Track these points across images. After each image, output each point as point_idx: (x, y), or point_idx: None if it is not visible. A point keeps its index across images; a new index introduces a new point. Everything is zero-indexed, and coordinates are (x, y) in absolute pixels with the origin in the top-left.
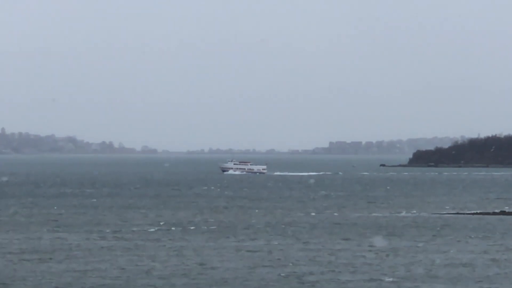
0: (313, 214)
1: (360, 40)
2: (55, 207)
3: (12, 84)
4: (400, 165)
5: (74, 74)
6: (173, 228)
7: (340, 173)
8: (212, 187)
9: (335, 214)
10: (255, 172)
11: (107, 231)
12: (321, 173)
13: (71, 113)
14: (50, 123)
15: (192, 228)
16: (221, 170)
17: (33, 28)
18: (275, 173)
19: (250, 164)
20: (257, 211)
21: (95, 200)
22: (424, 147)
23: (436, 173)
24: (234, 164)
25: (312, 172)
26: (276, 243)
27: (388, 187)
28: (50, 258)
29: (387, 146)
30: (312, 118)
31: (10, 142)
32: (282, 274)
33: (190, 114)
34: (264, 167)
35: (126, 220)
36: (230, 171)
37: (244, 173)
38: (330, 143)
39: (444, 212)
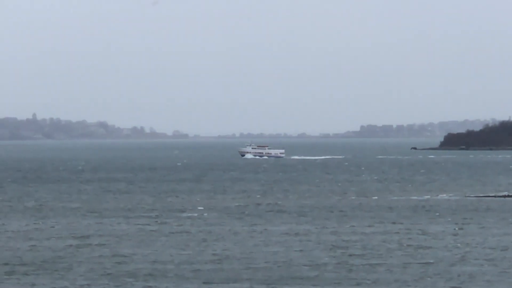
0: (353, 198)
1: (391, 25)
2: (100, 192)
3: (42, 69)
4: (431, 148)
5: (104, 59)
6: (215, 213)
7: (345, 157)
8: (235, 171)
9: (374, 197)
10: (273, 156)
11: (152, 215)
12: (341, 156)
13: (103, 98)
14: (81, 108)
15: (236, 212)
16: (240, 154)
17: (57, 18)
18: (293, 157)
19: (268, 148)
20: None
21: (132, 186)
22: (455, 130)
23: (471, 156)
24: (252, 148)
25: (330, 155)
26: (322, 226)
27: (422, 170)
28: (99, 244)
29: (418, 129)
30: (344, 101)
31: (42, 127)
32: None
33: (221, 98)
34: (282, 151)
35: (168, 204)
36: (248, 155)
37: (262, 157)
38: (361, 126)
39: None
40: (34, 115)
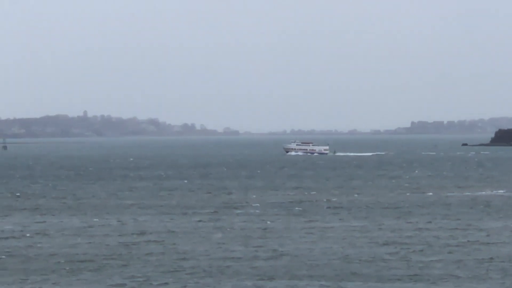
0: (408, 194)
1: (444, 22)
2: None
3: (93, 67)
4: (482, 144)
5: (155, 55)
6: (275, 209)
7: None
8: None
9: (430, 193)
10: (317, 153)
11: (207, 211)
12: (389, 152)
13: (153, 95)
14: (132, 105)
15: (291, 208)
16: (285, 151)
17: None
18: (337, 154)
19: (312, 145)
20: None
21: (186, 181)
22: (506, 126)
23: None
24: (297, 145)
25: (374, 152)
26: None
27: (474, 166)
28: (156, 240)
29: (468, 126)
30: (394, 98)
31: (92, 124)
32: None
33: (272, 95)
34: (326, 147)
35: (224, 201)
36: (292, 152)
37: (306, 153)
38: (412, 123)
39: None
40: (85, 112)
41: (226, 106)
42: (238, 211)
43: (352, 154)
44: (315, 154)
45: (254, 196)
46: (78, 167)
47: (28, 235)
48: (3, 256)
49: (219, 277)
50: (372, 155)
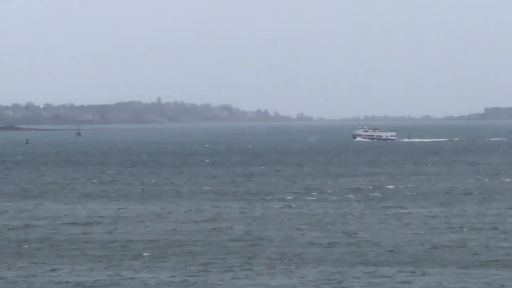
0: (486, 180)
1: None
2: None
3: (166, 53)
4: None
5: (228, 42)
6: (353, 195)
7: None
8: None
9: (508, 179)
10: (383, 139)
11: (285, 198)
12: (457, 138)
13: (227, 81)
14: (206, 91)
15: (364, 195)
16: (352, 137)
17: None
18: (404, 140)
19: (379, 131)
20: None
21: (262, 167)
22: None
23: None
24: (364, 131)
25: (449, 138)
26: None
27: None
28: (232, 227)
29: None
30: (468, 83)
31: (166, 111)
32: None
33: (346, 80)
34: (394, 133)
35: (301, 187)
36: (359, 138)
37: (373, 139)
38: (486, 108)
39: None
40: (158, 98)
41: (299, 92)
42: (316, 197)
43: (426, 140)
44: (382, 140)
45: (330, 182)
46: (153, 153)
47: (106, 221)
48: (83, 242)
49: (300, 263)
50: (447, 141)
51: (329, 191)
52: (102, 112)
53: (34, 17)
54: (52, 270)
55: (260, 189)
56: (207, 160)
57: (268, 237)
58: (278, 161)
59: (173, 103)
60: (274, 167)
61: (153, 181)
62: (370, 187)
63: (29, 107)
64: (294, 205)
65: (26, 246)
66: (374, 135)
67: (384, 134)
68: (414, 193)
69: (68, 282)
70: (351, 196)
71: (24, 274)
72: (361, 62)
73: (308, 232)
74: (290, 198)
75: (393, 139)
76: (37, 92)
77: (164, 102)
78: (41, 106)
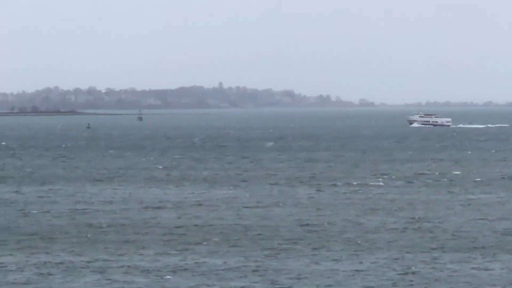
0: None
1: None
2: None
3: (228, 38)
4: None
5: (289, 27)
6: (400, 182)
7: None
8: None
9: None
10: (439, 125)
11: (352, 182)
12: (506, 125)
13: (289, 66)
14: (267, 77)
15: (426, 181)
16: (408, 123)
17: None
18: (459, 126)
19: (435, 117)
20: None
21: (327, 153)
22: None
23: None
24: (420, 116)
25: (498, 124)
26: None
27: None
28: (297, 211)
29: None
30: None
31: (228, 96)
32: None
33: (409, 66)
34: (449, 119)
35: (358, 173)
36: (415, 124)
37: (428, 125)
38: None
39: None
40: (220, 83)
41: (362, 77)
42: (382, 182)
43: (488, 125)
44: (438, 125)
45: (396, 167)
46: (217, 138)
47: (171, 206)
48: (149, 227)
49: (368, 248)
50: (508, 126)
51: (393, 177)
52: (163, 97)
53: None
54: (120, 255)
55: (325, 175)
56: (271, 144)
57: (335, 222)
58: (341, 146)
59: (235, 88)
60: (337, 152)
61: (219, 165)
62: (436, 173)
63: (91, 91)
64: (360, 191)
65: (93, 231)
66: (429, 121)
67: (439, 120)
68: (481, 179)
69: (136, 266)
70: (417, 181)
71: (91, 259)
72: (425, 49)
73: (375, 217)
74: (354, 183)
75: (449, 125)
76: (99, 77)
77: (225, 87)
78: (103, 91)
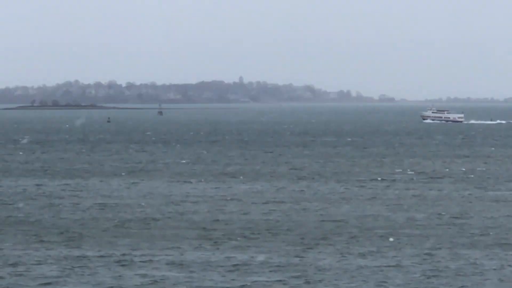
0: None
1: None
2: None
3: (247, 33)
4: None
5: (311, 22)
6: (422, 178)
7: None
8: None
9: None
10: (451, 121)
11: (363, 179)
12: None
13: (309, 61)
14: (288, 72)
15: (449, 177)
16: (422, 118)
17: None
18: (471, 121)
19: (447, 113)
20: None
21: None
22: None
23: None
24: (433, 112)
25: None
26: None
27: None
28: (318, 208)
29: None
30: None
31: (248, 91)
32: None
33: (430, 60)
34: (461, 115)
35: (380, 168)
36: (428, 120)
37: (441, 121)
38: None
39: None
40: (240, 78)
41: (382, 72)
42: (397, 176)
43: (485, 122)
44: (450, 121)
45: (418, 162)
46: (240, 132)
47: (195, 200)
48: (179, 221)
49: (395, 244)
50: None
51: (418, 172)
52: (184, 91)
53: None
54: (149, 248)
55: (344, 170)
56: (298, 140)
57: (362, 217)
58: (360, 144)
59: (255, 82)
60: (361, 147)
61: (242, 160)
62: (463, 169)
63: (111, 85)
64: (388, 185)
65: (121, 224)
66: (442, 117)
67: (452, 116)
68: (492, 176)
69: (163, 260)
70: (428, 178)
71: (118, 252)
72: (445, 44)
73: (404, 213)
74: (379, 179)
75: (461, 121)
76: (119, 71)
77: (246, 82)
78: (123, 85)
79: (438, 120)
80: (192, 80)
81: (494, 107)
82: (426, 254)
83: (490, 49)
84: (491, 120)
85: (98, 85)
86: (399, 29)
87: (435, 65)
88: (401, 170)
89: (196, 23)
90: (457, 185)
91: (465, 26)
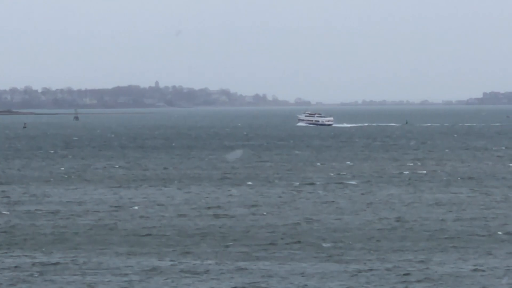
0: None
1: None
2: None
3: (163, 38)
4: None
5: (226, 26)
6: (370, 180)
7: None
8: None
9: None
10: (320, 124)
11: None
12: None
13: (224, 66)
14: (203, 76)
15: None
16: (297, 121)
17: None
18: (341, 125)
19: (317, 116)
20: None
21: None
22: None
23: None
24: (305, 116)
25: (443, 123)
26: None
27: None
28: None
29: None
30: (466, 68)
31: (164, 95)
32: None
33: (344, 65)
34: (331, 118)
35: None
36: (301, 123)
37: (311, 124)
38: (484, 93)
39: None
40: (156, 82)
41: (298, 76)
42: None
43: (356, 125)
44: (319, 125)
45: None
46: (172, 138)
47: (132, 207)
48: (123, 225)
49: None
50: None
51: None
52: (100, 96)
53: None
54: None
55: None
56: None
57: (345, 226)
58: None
59: (171, 87)
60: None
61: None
62: (399, 171)
63: (27, 91)
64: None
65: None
66: (312, 120)
67: (321, 119)
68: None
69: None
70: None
71: (106, 260)
72: (360, 47)
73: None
74: (323, 183)
75: (330, 124)
76: (35, 76)
77: (162, 86)
78: (39, 90)
79: (309, 123)
80: (108, 85)
81: (409, 110)
82: (410, 258)
83: (397, 54)
84: (406, 123)
85: (13, 90)
86: (311, 34)
87: (349, 69)
88: (340, 173)
89: (110, 28)
90: (395, 187)
91: (374, 33)
